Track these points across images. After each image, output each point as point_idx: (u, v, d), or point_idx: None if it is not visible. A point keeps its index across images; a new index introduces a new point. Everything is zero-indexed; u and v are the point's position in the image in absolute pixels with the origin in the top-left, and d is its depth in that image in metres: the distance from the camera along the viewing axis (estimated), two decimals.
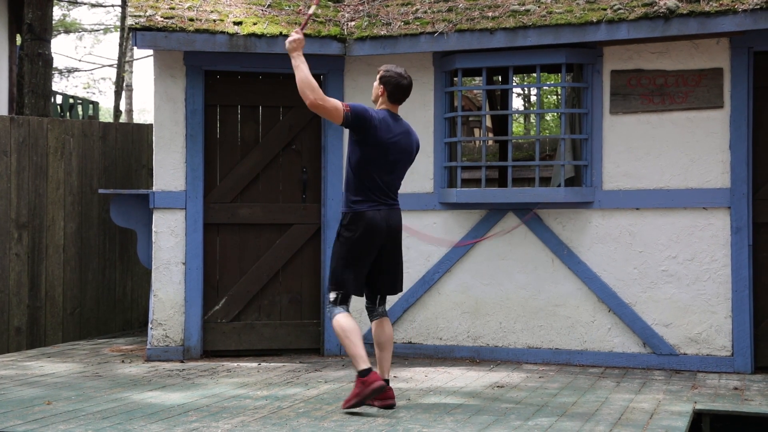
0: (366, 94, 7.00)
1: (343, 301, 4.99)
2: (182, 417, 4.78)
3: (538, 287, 6.72)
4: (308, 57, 6.82)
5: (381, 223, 4.97)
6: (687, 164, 6.41)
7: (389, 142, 4.93)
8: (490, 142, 11.45)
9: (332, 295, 4.99)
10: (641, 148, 6.51)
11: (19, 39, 12.93)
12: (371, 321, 5.14)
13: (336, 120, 4.86)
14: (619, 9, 6.28)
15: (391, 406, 4.99)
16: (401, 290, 5.27)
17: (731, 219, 6.31)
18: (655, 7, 6.17)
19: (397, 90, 5.00)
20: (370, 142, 4.89)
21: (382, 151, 4.92)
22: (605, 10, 6.33)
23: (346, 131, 6.95)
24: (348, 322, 4.91)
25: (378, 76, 5.04)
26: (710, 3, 6.08)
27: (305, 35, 5.01)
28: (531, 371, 6.33)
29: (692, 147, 6.40)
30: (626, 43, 6.47)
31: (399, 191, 6.91)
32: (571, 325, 6.65)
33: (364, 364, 4.82)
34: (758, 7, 5.94)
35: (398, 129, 5.01)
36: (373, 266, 5.07)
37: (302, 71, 4.85)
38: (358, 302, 6.99)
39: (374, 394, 4.80)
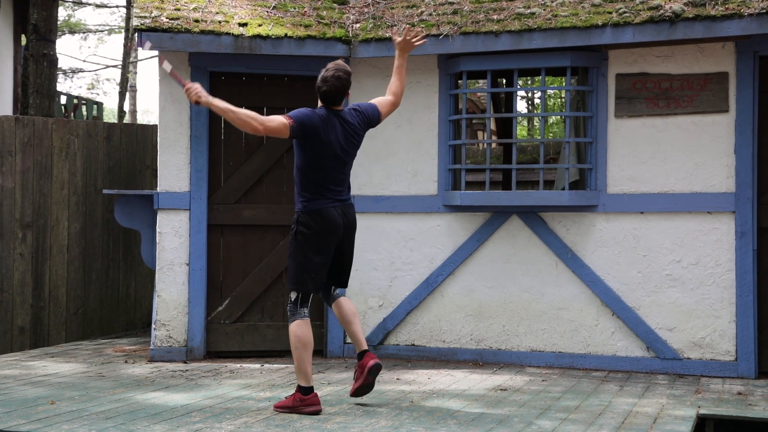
0: (371, 96, 6.99)
1: (303, 302, 4.96)
2: (185, 418, 4.78)
3: (541, 290, 6.71)
4: (313, 59, 6.87)
5: (338, 219, 4.96)
6: (692, 168, 6.40)
7: (333, 140, 4.91)
8: (494, 145, 11.44)
9: (293, 295, 4.97)
10: (646, 151, 6.51)
11: (24, 39, 12.95)
12: (330, 305, 5.14)
13: (283, 135, 4.83)
14: (625, 12, 6.28)
15: (377, 368, 4.98)
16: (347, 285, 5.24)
17: (736, 223, 6.30)
18: (661, 11, 6.17)
19: (323, 97, 4.99)
20: (315, 144, 4.88)
21: (327, 150, 4.90)
22: (611, 13, 6.33)
23: None
24: (306, 333, 4.92)
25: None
26: (716, 7, 6.07)
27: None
28: (534, 374, 6.32)
29: (697, 151, 6.40)
30: (631, 47, 6.47)
31: (403, 194, 6.95)
32: (574, 329, 6.64)
33: (309, 382, 4.91)
34: (764, 11, 5.93)
35: (339, 123, 4.96)
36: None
37: (230, 109, 4.75)
38: (360, 304, 6.98)
39: (306, 415, 4.87)
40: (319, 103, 5.04)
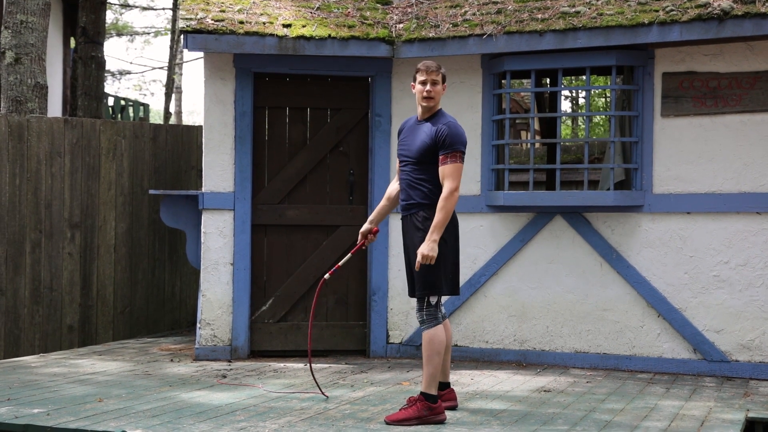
0: (414, 96, 6.98)
1: (439, 304, 4.81)
2: (230, 416, 4.83)
3: (585, 291, 6.66)
4: (356, 59, 6.90)
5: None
6: (740, 168, 6.30)
7: None
8: (538, 145, 11.37)
9: (434, 299, 4.75)
10: (693, 151, 6.41)
11: (72, 42, 13.18)
12: None
13: None
14: (672, 10, 6.19)
15: (454, 408, 5.01)
16: None
17: None
18: (709, 9, 6.07)
19: None
20: None
21: None
22: (657, 11, 6.25)
23: (394, 134, 6.97)
24: (443, 338, 4.76)
25: (441, 75, 4.82)
26: (766, 4, 5.96)
27: None
28: (578, 376, 6.27)
29: (746, 150, 6.29)
30: (678, 45, 6.38)
31: None
32: (619, 330, 6.57)
33: (436, 389, 4.77)
34: None
35: None
36: None
37: (443, 219, 4.66)
38: (404, 304, 6.98)
39: (434, 423, 4.70)
40: (439, 104, 4.93)
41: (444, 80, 4.89)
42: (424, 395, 4.71)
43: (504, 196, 6.71)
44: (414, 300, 4.95)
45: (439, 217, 4.67)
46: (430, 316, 4.76)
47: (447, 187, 4.68)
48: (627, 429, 4.64)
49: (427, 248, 4.63)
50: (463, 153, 4.75)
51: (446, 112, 4.93)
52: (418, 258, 4.65)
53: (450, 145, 4.71)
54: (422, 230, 4.76)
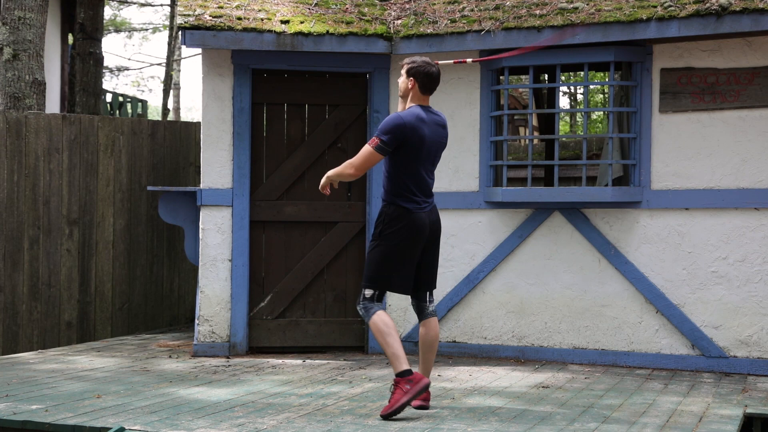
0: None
1: (379, 299, 4.89)
2: (228, 412, 4.83)
3: (584, 287, 6.66)
4: (354, 56, 6.89)
5: (425, 222, 4.88)
6: (738, 164, 6.30)
7: (424, 138, 4.84)
8: (536, 141, 11.36)
9: (368, 292, 4.87)
10: (691, 147, 6.42)
11: (71, 38, 13.17)
12: (420, 321, 5.04)
13: (378, 159, 4.83)
14: (670, 6, 6.19)
15: (426, 408, 4.95)
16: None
17: None
18: (707, 5, 6.07)
19: (428, 79, 4.87)
20: (408, 145, 4.81)
21: (418, 149, 4.83)
22: (655, 7, 6.25)
23: None
24: (387, 320, 4.82)
25: (404, 70, 4.91)
26: (764, 0, 5.96)
27: None
28: (576, 372, 6.27)
29: (744, 146, 6.29)
30: (677, 41, 6.38)
31: (444, 190, 6.93)
32: (617, 326, 6.58)
33: (406, 364, 4.74)
34: None
35: (430, 121, 4.89)
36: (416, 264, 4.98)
37: (338, 171, 4.93)
38: (403, 300, 6.99)
39: (421, 393, 4.72)
40: (411, 99, 4.92)
41: (408, 74, 4.92)
42: (398, 375, 4.74)
43: (502, 192, 6.71)
44: (409, 297, 5.08)
45: (337, 169, 4.92)
46: (364, 308, 4.89)
47: (352, 161, 4.87)
48: (625, 425, 4.65)
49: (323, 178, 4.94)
50: (384, 142, 4.79)
51: (413, 106, 4.91)
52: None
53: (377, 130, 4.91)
54: (378, 222, 4.91)
